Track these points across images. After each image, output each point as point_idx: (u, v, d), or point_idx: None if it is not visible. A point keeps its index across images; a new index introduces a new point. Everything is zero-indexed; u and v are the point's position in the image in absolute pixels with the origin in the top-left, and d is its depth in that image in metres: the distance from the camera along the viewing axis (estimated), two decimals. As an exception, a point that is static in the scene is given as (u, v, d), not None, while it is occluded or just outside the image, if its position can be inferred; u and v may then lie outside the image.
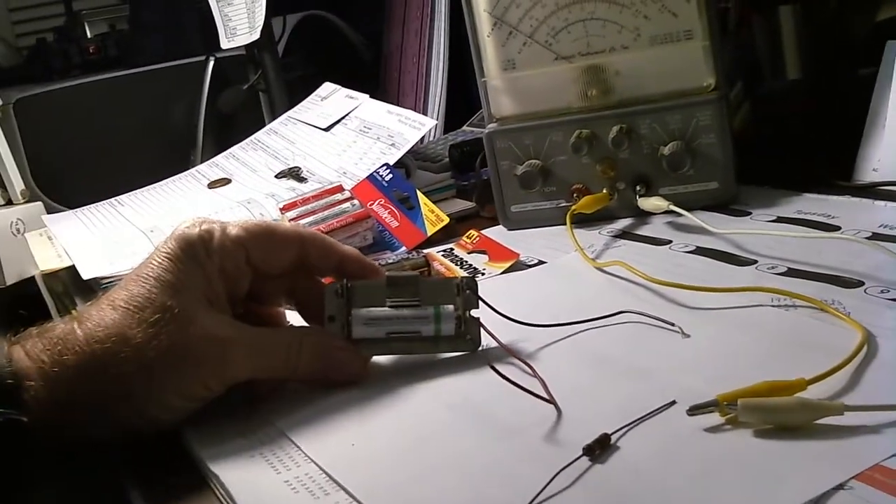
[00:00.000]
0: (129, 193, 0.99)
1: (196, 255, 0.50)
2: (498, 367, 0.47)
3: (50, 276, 0.87)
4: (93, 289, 0.79)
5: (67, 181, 1.20)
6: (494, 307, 0.54)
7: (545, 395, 0.46)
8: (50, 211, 1.02)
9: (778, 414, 0.41)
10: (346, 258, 0.55)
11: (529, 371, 0.49)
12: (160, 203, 0.95)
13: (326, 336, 0.53)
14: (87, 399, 0.47)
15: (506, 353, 0.52)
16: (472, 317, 0.53)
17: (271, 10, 1.15)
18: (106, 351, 0.46)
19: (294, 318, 0.58)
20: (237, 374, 0.50)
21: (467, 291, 0.53)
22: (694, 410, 0.42)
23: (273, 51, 1.19)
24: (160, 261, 0.50)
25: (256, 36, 1.12)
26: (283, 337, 0.53)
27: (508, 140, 0.76)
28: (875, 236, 0.61)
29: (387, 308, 0.53)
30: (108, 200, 0.98)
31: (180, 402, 0.49)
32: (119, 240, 0.83)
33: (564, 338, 0.53)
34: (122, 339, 0.47)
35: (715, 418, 0.42)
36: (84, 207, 0.97)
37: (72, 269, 0.82)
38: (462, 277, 0.53)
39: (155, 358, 0.47)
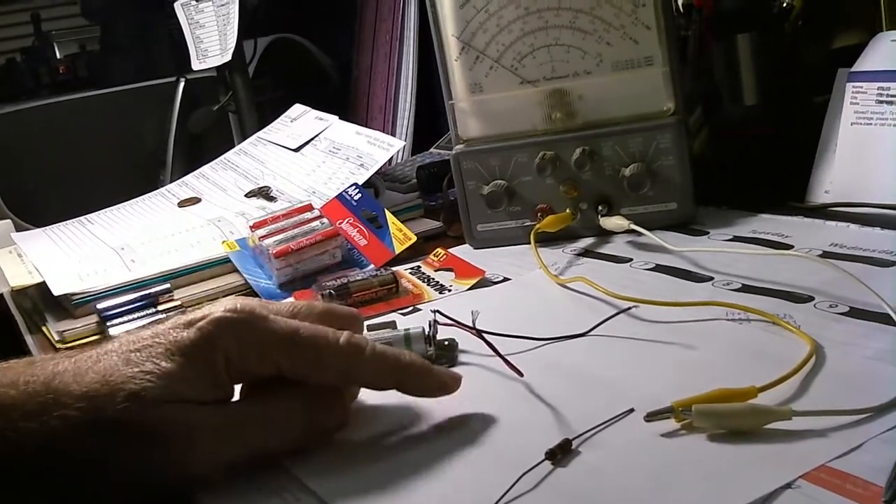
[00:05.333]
0: (99, 212, 0.99)
1: (212, 359, 0.45)
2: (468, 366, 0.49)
3: (19, 294, 0.87)
4: (63, 305, 0.79)
5: (36, 200, 1.20)
6: (457, 319, 0.56)
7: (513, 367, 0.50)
8: (19, 230, 1.02)
9: (730, 419, 0.43)
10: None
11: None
12: (130, 221, 0.95)
13: (315, 394, 0.48)
14: (42, 473, 0.43)
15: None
16: (446, 343, 0.56)
17: (242, 33, 1.17)
18: (66, 420, 0.42)
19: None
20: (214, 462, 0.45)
21: (435, 315, 0.56)
22: (651, 417, 0.44)
23: (244, 72, 1.21)
24: (173, 346, 0.45)
25: (228, 58, 1.14)
26: (272, 408, 0.47)
27: (475, 161, 0.78)
28: (826, 254, 0.63)
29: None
30: (77, 219, 0.98)
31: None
32: (89, 257, 0.84)
33: (529, 350, 0.55)
34: (90, 409, 0.43)
35: (671, 424, 0.44)
36: (54, 225, 0.97)
37: (41, 286, 0.83)
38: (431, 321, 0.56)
39: (111, 435, 0.43)
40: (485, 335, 0.54)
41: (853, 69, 0.74)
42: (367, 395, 0.52)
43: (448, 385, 0.49)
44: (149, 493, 0.44)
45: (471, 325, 0.56)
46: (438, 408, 0.50)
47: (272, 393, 0.47)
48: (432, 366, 0.49)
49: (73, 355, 0.46)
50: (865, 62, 0.74)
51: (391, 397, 0.51)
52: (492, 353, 0.53)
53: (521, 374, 0.51)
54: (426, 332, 0.56)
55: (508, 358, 0.52)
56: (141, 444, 0.43)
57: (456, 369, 0.54)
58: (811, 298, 0.57)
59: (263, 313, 0.47)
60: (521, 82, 0.77)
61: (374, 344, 0.48)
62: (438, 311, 0.57)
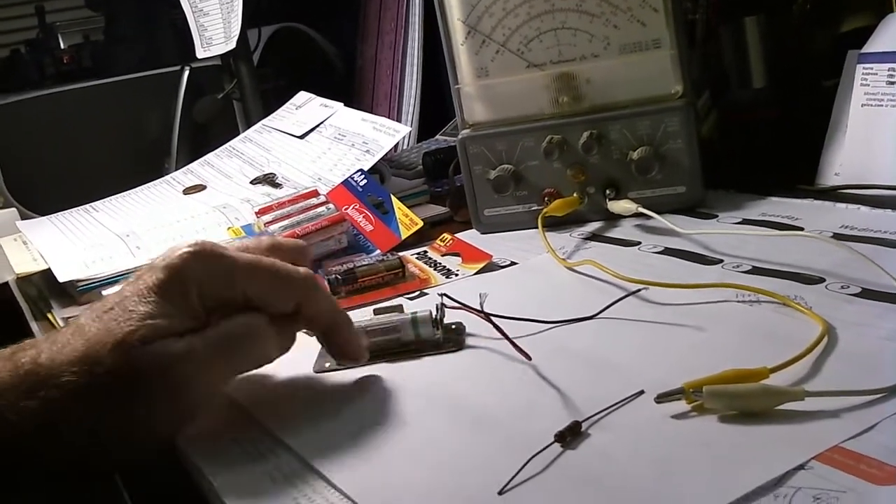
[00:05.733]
0: (104, 200, 0.99)
1: (184, 290, 0.47)
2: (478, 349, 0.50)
3: (24, 281, 0.87)
4: (68, 292, 0.79)
5: (41, 190, 1.20)
6: (465, 302, 0.56)
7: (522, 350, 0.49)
8: (23, 219, 1.02)
9: (741, 400, 0.42)
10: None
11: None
12: (135, 209, 0.95)
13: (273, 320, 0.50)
14: (52, 450, 0.44)
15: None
16: (453, 327, 0.56)
17: (247, 22, 1.16)
18: (66, 389, 0.43)
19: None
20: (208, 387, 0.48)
21: (442, 299, 0.56)
22: (661, 398, 0.43)
23: (248, 60, 1.20)
24: (145, 290, 0.47)
25: (232, 46, 1.14)
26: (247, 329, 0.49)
27: (481, 145, 0.78)
28: (836, 236, 0.63)
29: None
30: (82, 207, 0.98)
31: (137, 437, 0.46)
32: (94, 243, 0.84)
33: (538, 333, 0.55)
34: (87, 371, 0.44)
35: (681, 406, 0.43)
36: (59, 213, 0.97)
37: (46, 273, 0.83)
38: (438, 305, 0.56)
39: (113, 390, 0.44)
40: (493, 318, 0.54)
41: (863, 51, 0.73)
42: (372, 371, 0.53)
43: (359, 356, 0.52)
44: (144, 451, 0.46)
45: (478, 308, 0.55)
46: (447, 390, 0.49)
47: (238, 314, 0.49)
48: (359, 335, 0.53)
49: (48, 337, 0.47)
50: (876, 43, 0.73)
51: (399, 380, 0.51)
52: (500, 336, 0.52)
53: (528, 358, 0.50)
54: (433, 316, 0.55)
55: (517, 341, 0.51)
56: (134, 391, 0.44)
57: (464, 353, 0.54)
58: (822, 280, 0.56)
59: (223, 247, 0.50)
60: (528, 66, 0.76)
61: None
62: (446, 295, 0.57)
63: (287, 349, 0.51)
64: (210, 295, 0.48)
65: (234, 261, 0.49)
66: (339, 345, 0.52)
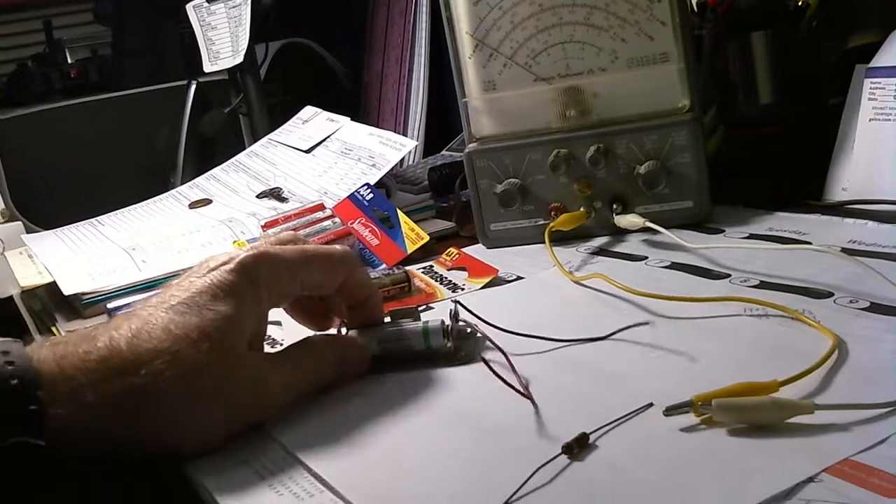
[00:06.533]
0: (109, 214, 0.99)
1: (256, 293, 0.50)
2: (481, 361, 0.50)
3: (28, 295, 0.87)
4: (73, 305, 0.79)
5: (47, 203, 1.20)
6: (479, 315, 0.56)
7: (523, 391, 0.48)
8: (29, 233, 1.02)
9: (751, 413, 0.42)
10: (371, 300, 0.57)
11: (511, 370, 0.50)
12: (140, 222, 0.95)
13: (340, 340, 0.56)
14: (121, 432, 0.44)
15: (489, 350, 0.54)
16: (464, 333, 0.56)
17: (254, 38, 1.17)
18: (154, 377, 0.44)
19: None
20: (274, 400, 0.50)
21: (453, 306, 0.56)
22: (670, 411, 0.43)
23: (255, 74, 1.20)
24: (217, 289, 0.48)
25: (240, 59, 1.14)
26: (307, 354, 0.53)
27: (488, 159, 0.78)
28: (844, 251, 0.62)
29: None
30: (87, 220, 0.98)
31: (213, 430, 0.47)
32: (100, 256, 0.84)
33: (545, 345, 0.54)
34: (175, 362, 0.45)
35: (690, 419, 0.43)
36: (64, 227, 0.97)
37: (50, 287, 0.82)
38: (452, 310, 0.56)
39: (200, 385, 0.45)
40: (490, 335, 0.54)
41: (871, 65, 0.73)
42: (378, 382, 0.53)
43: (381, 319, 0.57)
44: (209, 443, 0.47)
45: (484, 320, 0.55)
46: (455, 399, 0.49)
47: (306, 342, 0.54)
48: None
49: (108, 324, 0.47)
50: (883, 57, 0.73)
51: (406, 390, 0.51)
52: (509, 346, 0.52)
53: (527, 396, 0.48)
54: (444, 326, 0.55)
55: (525, 354, 0.52)
56: (215, 385, 0.46)
57: (475, 365, 0.54)
58: (831, 294, 0.56)
59: (270, 246, 0.52)
60: (536, 79, 0.76)
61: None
62: (458, 302, 0.57)
63: (364, 362, 0.55)
64: (277, 292, 0.51)
65: (288, 256, 0.51)
66: (371, 308, 0.56)
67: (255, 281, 0.49)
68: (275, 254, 0.51)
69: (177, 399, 0.45)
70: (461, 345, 0.55)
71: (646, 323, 0.55)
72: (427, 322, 0.55)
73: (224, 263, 0.49)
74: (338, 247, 0.55)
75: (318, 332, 0.57)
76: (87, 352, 0.44)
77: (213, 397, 0.46)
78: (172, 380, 0.44)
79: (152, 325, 0.46)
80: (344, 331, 0.57)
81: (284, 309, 0.57)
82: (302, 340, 0.55)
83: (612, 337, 0.55)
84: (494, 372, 0.49)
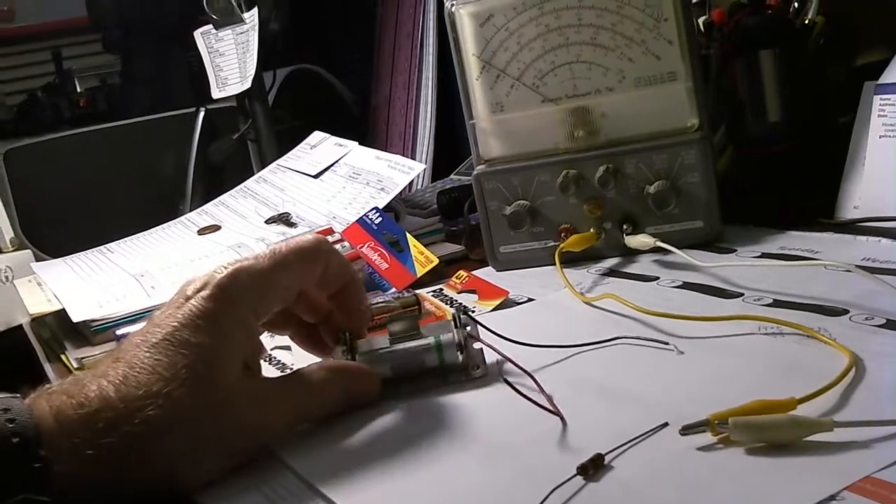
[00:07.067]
0: (118, 241, 0.99)
1: (238, 314, 0.48)
2: (501, 380, 0.49)
3: (37, 323, 0.87)
4: (82, 332, 0.79)
5: (56, 232, 1.20)
6: (490, 328, 0.55)
7: (551, 408, 0.47)
8: (38, 261, 1.02)
9: (769, 431, 0.41)
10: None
11: (535, 387, 0.50)
12: (149, 249, 0.95)
13: (349, 368, 0.53)
14: (126, 479, 0.44)
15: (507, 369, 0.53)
16: (476, 347, 0.55)
17: (262, 65, 1.17)
18: (150, 424, 0.43)
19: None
20: (276, 426, 0.49)
21: (463, 317, 0.55)
22: (686, 430, 0.42)
23: (264, 100, 1.21)
24: (197, 319, 0.47)
25: (248, 85, 1.14)
26: (313, 379, 0.51)
27: (497, 181, 0.77)
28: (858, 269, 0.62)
29: (389, 344, 0.55)
30: (96, 248, 0.98)
31: (216, 463, 0.46)
32: (108, 283, 0.84)
33: (558, 362, 0.54)
34: (167, 405, 0.44)
35: (707, 438, 0.42)
36: (73, 255, 0.97)
37: (59, 315, 0.82)
38: (457, 307, 0.54)
39: (196, 422, 0.45)
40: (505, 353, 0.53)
41: (880, 81, 0.73)
42: (391, 400, 0.52)
43: (365, 321, 0.57)
44: (210, 474, 0.46)
45: (498, 334, 0.55)
46: (468, 419, 0.49)
47: (311, 366, 0.52)
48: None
49: (94, 373, 0.46)
50: (893, 74, 0.73)
51: (419, 409, 0.50)
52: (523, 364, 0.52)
53: (556, 413, 0.48)
54: (457, 340, 0.54)
55: (538, 370, 0.51)
56: (210, 422, 0.45)
57: (485, 380, 0.54)
58: (846, 311, 0.55)
59: (244, 260, 0.51)
60: (543, 100, 0.76)
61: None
62: (471, 317, 0.56)
63: (371, 392, 0.53)
64: (263, 307, 0.50)
65: (262, 265, 0.50)
66: (353, 293, 0.55)
67: (234, 302, 0.48)
68: (248, 267, 0.49)
69: (176, 440, 0.44)
70: (477, 362, 0.55)
71: (665, 343, 0.55)
72: (440, 336, 0.54)
73: (200, 290, 0.48)
74: (308, 236, 0.54)
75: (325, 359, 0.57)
76: (81, 404, 0.43)
77: (211, 431, 0.45)
78: (168, 423, 0.44)
79: (139, 368, 0.45)
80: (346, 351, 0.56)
81: (290, 337, 0.57)
82: (309, 365, 0.54)
83: (627, 354, 0.54)
84: (520, 392, 0.48)
